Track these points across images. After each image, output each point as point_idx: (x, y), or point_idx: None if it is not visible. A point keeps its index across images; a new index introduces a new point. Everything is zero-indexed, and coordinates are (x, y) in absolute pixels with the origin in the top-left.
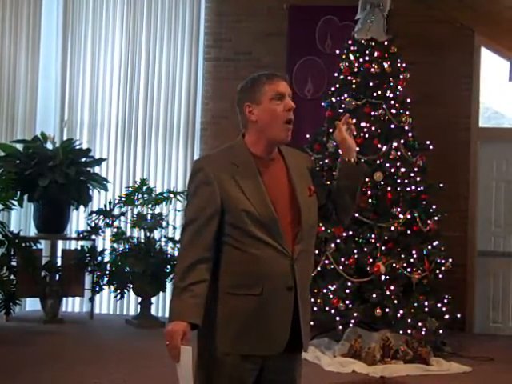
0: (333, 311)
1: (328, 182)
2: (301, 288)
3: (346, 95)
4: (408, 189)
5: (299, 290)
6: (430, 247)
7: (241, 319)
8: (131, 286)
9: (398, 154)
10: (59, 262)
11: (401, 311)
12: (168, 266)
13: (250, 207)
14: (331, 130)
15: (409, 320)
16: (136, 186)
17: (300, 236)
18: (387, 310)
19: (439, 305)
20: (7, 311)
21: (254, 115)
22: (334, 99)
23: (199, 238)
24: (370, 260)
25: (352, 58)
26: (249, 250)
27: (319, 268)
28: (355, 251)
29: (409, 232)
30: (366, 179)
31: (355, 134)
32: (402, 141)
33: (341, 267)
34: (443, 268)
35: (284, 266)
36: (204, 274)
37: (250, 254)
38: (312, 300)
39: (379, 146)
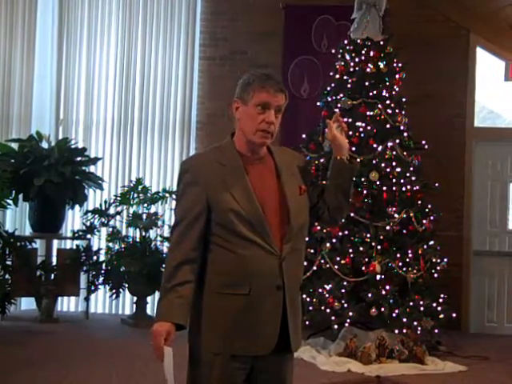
0: (328, 311)
1: (324, 182)
2: (290, 287)
3: (341, 95)
4: (403, 188)
5: (288, 290)
6: (425, 247)
7: (229, 319)
8: (127, 285)
9: (394, 153)
10: (54, 261)
11: (396, 311)
12: (163, 266)
13: (236, 206)
14: (327, 130)
15: (404, 319)
16: (131, 185)
17: (289, 235)
18: (383, 309)
19: (434, 304)
20: (2, 310)
21: (238, 113)
22: (329, 99)
23: (185, 239)
24: (366, 259)
25: (348, 57)
26: (236, 250)
27: (315, 267)
28: (351, 251)
29: (404, 231)
30: (362, 179)
31: (349, 132)
32: (398, 140)
33: (336, 267)
34: (438, 267)
35: (272, 265)
36: (189, 275)
37: (237, 253)
38: (308, 299)
39: (375, 145)
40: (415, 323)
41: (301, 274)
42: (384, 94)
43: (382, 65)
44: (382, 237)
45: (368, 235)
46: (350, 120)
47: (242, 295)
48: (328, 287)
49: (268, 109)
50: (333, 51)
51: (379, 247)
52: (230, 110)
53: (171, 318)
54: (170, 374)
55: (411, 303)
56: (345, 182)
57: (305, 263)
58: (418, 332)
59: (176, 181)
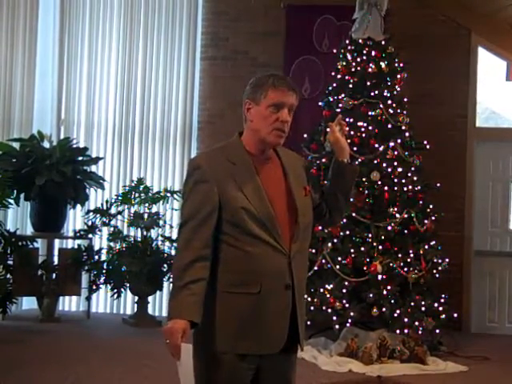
0: (329, 311)
1: (325, 182)
2: (298, 287)
3: (343, 95)
4: (405, 188)
5: (296, 289)
6: (426, 247)
7: (239, 318)
8: (128, 285)
9: (395, 153)
10: (56, 260)
11: (397, 311)
12: (165, 265)
13: (248, 205)
14: (328, 130)
15: (405, 319)
16: (133, 184)
17: (296, 235)
18: (384, 309)
19: (436, 304)
20: (4, 310)
21: (250, 114)
22: (331, 98)
23: (196, 237)
24: (367, 259)
25: (349, 57)
26: (246, 248)
27: (316, 267)
28: (352, 251)
29: (406, 232)
30: (363, 179)
31: (348, 133)
32: (399, 140)
33: (338, 267)
34: (440, 268)
35: (281, 264)
36: (202, 272)
37: (247, 251)
38: (309, 299)
39: (376, 145)
40: (416, 323)
41: (306, 274)
42: (385, 93)
43: (383, 65)
44: (383, 237)
45: (369, 235)
46: (351, 120)
47: (252, 294)
48: (329, 287)
49: (282, 108)
50: (334, 51)
51: (380, 247)
52: (243, 112)
53: (186, 316)
54: (188, 372)
55: (412, 303)
56: (346, 184)
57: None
58: (419, 332)
59: (178, 180)
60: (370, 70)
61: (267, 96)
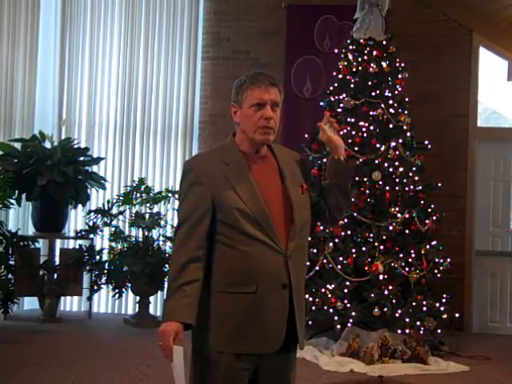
0: (331, 311)
1: (325, 182)
2: (296, 285)
3: (344, 95)
4: (406, 188)
5: (294, 288)
6: (428, 247)
7: (235, 318)
8: (129, 285)
9: (397, 153)
10: (57, 261)
11: (399, 311)
12: (166, 266)
13: (241, 205)
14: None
15: (407, 319)
16: (134, 185)
17: (293, 233)
18: (385, 309)
19: (437, 304)
20: (5, 310)
21: (237, 117)
22: (332, 98)
23: (191, 238)
24: (368, 259)
25: (350, 57)
26: (241, 248)
27: (317, 267)
28: (353, 251)
29: (407, 231)
30: (365, 179)
31: (352, 133)
32: (401, 140)
33: (339, 267)
34: (441, 267)
35: (278, 263)
36: (196, 274)
37: (242, 251)
38: (310, 299)
39: (377, 145)
40: (418, 323)
41: (305, 273)
42: (387, 93)
43: (384, 64)
44: (384, 237)
45: (370, 235)
46: (352, 120)
47: (249, 294)
48: (331, 287)
49: (263, 106)
50: (335, 51)
51: (382, 247)
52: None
53: (179, 318)
54: (180, 374)
55: (414, 303)
56: (344, 181)
57: (307, 263)
58: (421, 332)
59: (178, 180)
60: (371, 69)
61: (247, 97)
